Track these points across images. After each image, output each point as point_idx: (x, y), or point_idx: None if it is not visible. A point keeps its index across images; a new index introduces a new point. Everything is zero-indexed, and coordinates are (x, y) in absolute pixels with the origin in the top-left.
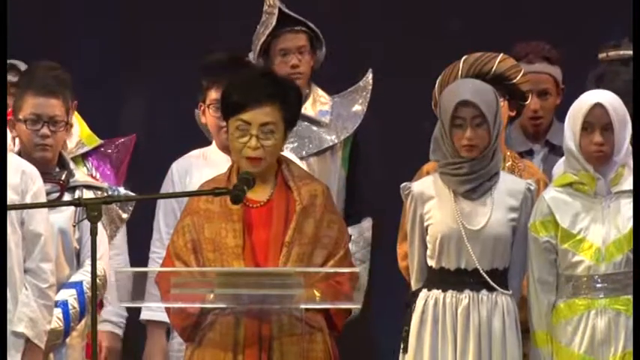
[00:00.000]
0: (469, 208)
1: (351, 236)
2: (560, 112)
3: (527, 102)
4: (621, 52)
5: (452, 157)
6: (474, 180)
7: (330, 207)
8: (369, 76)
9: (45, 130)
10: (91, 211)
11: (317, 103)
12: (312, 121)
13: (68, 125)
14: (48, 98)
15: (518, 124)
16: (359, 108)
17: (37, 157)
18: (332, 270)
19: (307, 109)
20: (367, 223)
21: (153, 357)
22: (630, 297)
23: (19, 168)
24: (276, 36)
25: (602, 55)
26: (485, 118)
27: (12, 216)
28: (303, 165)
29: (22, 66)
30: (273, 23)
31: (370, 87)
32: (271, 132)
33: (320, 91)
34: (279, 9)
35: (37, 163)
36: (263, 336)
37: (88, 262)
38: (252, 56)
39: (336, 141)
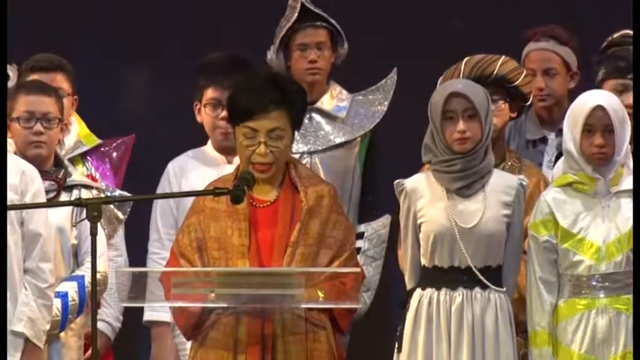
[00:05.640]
0: (462, 205)
1: (363, 233)
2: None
3: (528, 103)
4: (624, 32)
5: (444, 154)
6: (467, 177)
7: (336, 208)
8: (394, 75)
9: (38, 127)
10: (92, 211)
11: (335, 99)
12: (328, 115)
13: (63, 124)
14: (41, 96)
15: (533, 112)
16: (380, 107)
17: (31, 155)
18: (332, 270)
19: (324, 103)
20: (385, 220)
21: (162, 358)
22: (630, 296)
23: (18, 168)
24: (296, 30)
25: (606, 44)
26: (476, 111)
27: (11, 216)
28: (315, 161)
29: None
30: (294, 17)
31: (394, 86)
32: (279, 137)
33: (339, 88)
34: (302, 3)
35: (32, 162)
36: (265, 335)
37: (87, 260)
38: (270, 52)
39: (344, 139)
